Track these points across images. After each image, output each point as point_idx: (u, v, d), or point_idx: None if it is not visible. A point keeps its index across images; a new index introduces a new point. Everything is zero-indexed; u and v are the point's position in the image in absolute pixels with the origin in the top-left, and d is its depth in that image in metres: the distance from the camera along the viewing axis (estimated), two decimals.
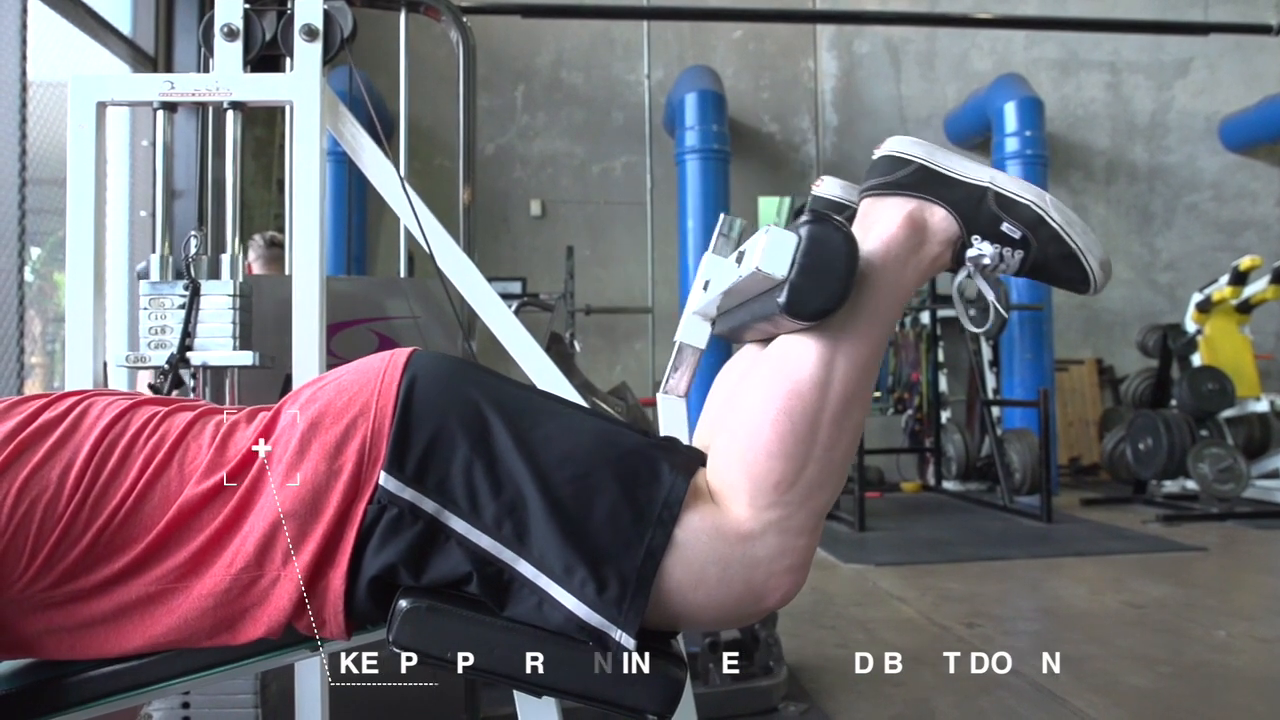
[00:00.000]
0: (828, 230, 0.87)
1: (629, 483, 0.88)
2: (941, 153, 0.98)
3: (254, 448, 0.89)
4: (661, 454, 0.91)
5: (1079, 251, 0.95)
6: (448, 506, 0.86)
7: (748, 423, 0.91)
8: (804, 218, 0.89)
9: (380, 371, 0.91)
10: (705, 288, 1.14)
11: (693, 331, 1.19)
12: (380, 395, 0.89)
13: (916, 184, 0.97)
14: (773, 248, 0.87)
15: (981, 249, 0.95)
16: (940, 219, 0.96)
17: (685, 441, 1.11)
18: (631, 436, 0.93)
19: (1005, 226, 0.95)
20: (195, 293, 1.51)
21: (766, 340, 1.01)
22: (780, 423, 0.89)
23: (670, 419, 1.21)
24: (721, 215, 1.17)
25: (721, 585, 0.88)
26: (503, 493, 0.86)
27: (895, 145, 1.00)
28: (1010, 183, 0.96)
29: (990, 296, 0.98)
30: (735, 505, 0.89)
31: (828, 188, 1.15)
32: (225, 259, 1.56)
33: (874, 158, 1.01)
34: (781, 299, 0.87)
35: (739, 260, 0.97)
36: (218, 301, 1.52)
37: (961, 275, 0.98)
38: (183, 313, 1.50)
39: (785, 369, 0.91)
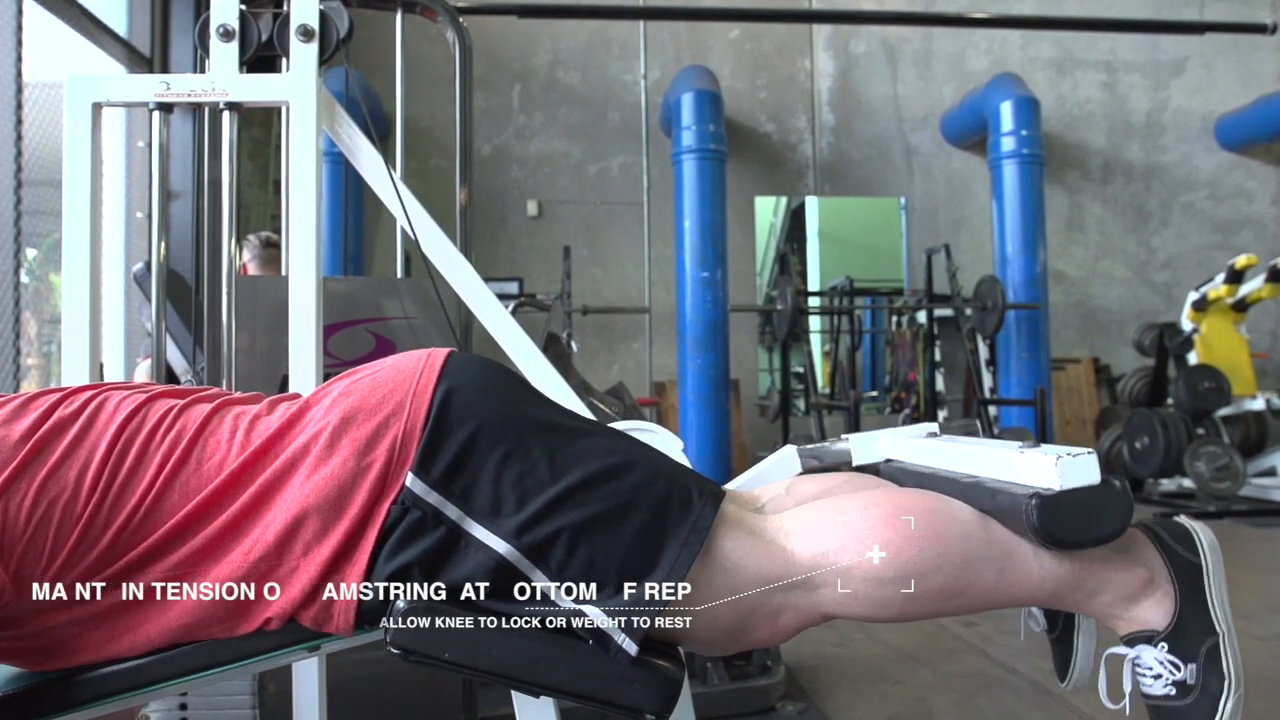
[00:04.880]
0: (1123, 502, 0.91)
1: (659, 505, 0.89)
2: (1221, 575, 0.99)
3: (278, 435, 0.89)
4: (692, 481, 0.93)
5: None
6: (471, 514, 0.86)
7: (885, 518, 0.93)
8: (1118, 478, 0.92)
9: (417, 371, 0.91)
10: (927, 435, 1.19)
11: (865, 448, 1.24)
12: (415, 396, 0.89)
13: (1182, 571, 0.98)
14: (1082, 465, 0.90)
15: (1156, 659, 0.96)
16: (1163, 610, 0.97)
17: (768, 480, 1.14)
18: (664, 461, 0.94)
19: (1192, 668, 0.95)
20: None
21: None
22: (910, 544, 0.91)
23: (778, 469, 1.24)
24: (971, 421, 1.24)
25: (727, 608, 0.90)
26: (529, 504, 0.86)
27: (1201, 532, 1.01)
28: (1233, 651, 0.96)
29: (1127, 687, 0.98)
30: (799, 545, 0.92)
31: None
32: None
33: (1178, 518, 1.03)
34: (1038, 499, 0.90)
35: (1022, 448, 0.99)
36: None
37: (1121, 649, 0.99)
38: None
39: (959, 526, 0.94)
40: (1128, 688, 0.98)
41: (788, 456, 1.23)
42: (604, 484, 0.88)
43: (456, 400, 0.89)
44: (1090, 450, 0.91)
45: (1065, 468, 0.90)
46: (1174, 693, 0.95)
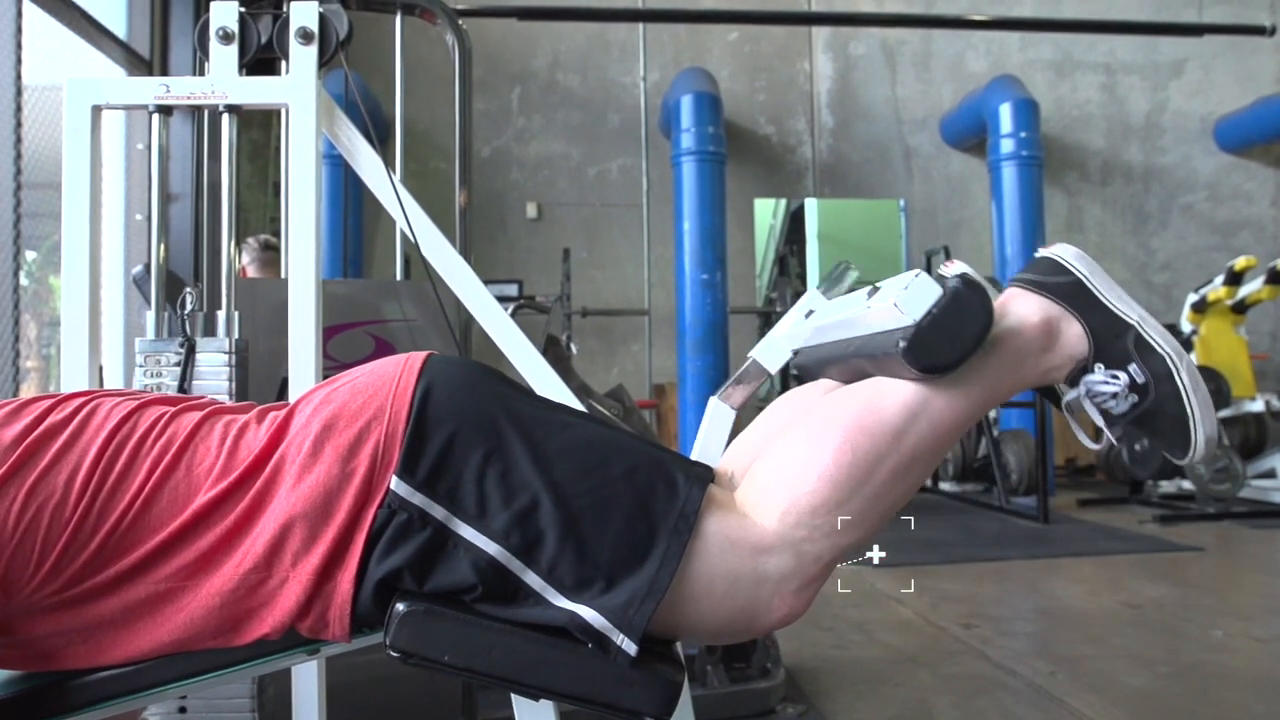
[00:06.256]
0: (973, 296, 0.89)
1: (645, 494, 0.88)
2: (1102, 276, 1.00)
3: (267, 449, 0.89)
4: (677, 465, 0.92)
5: (1192, 420, 0.95)
6: (457, 514, 0.86)
7: (809, 444, 0.92)
8: (955, 276, 0.90)
9: (396, 375, 0.91)
10: (807, 316, 1.17)
11: (770, 355, 1.22)
12: (395, 399, 0.89)
13: (1067, 294, 0.99)
14: (916, 291, 0.89)
15: (1101, 381, 0.97)
16: (1075, 335, 0.98)
17: (721, 451, 1.13)
18: (647, 448, 0.94)
19: (1133, 367, 0.96)
20: (191, 350, 1.52)
21: (846, 380, 1.04)
22: (842, 452, 0.90)
23: (715, 426, 1.22)
24: (838, 261, 1.21)
25: (726, 598, 0.89)
26: (514, 502, 0.86)
27: (1061, 251, 1.02)
28: (1155, 330, 0.97)
29: (1100, 423, 0.99)
30: (763, 517, 0.90)
31: (956, 269, 1.19)
32: (221, 315, 1.56)
33: (1038, 254, 1.03)
34: (903, 343, 0.88)
35: (870, 295, 0.98)
36: (214, 359, 1.52)
37: (1072, 394, 0.99)
38: (178, 370, 1.51)
39: (868, 406, 0.93)
40: (1099, 420, 0.99)
41: (716, 409, 1.22)
42: (588, 477, 0.87)
43: (436, 400, 0.88)
44: (917, 271, 0.90)
45: (906, 303, 0.88)
46: (1136, 399, 0.96)
